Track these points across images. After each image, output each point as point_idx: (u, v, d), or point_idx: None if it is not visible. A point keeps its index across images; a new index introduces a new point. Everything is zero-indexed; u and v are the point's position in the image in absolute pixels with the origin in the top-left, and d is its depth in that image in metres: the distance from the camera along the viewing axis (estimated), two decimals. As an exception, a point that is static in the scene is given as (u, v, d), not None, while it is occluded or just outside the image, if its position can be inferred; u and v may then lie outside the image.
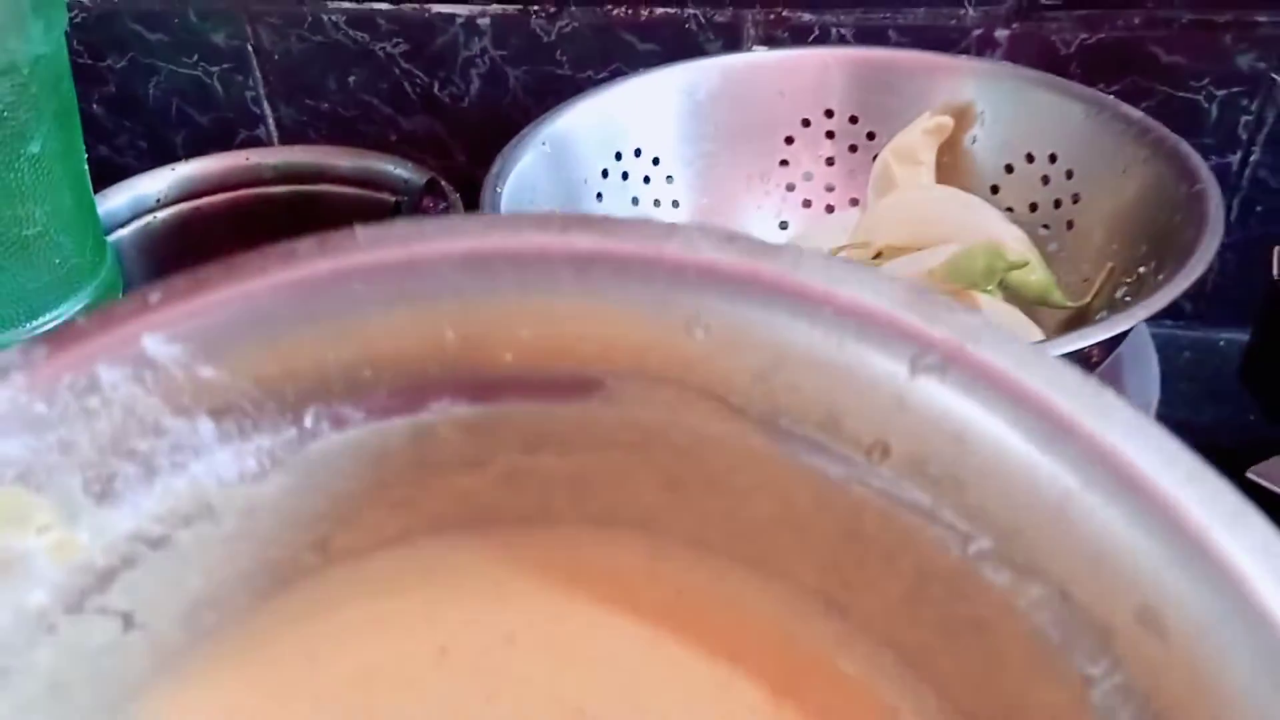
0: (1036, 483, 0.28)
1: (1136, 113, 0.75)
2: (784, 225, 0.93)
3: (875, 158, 0.88)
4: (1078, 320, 0.76)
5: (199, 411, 0.31)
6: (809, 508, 0.33)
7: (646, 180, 0.88)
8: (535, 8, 0.90)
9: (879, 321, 0.29)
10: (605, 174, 0.86)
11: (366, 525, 0.35)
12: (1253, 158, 0.75)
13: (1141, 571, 0.26)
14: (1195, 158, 0.69)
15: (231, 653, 0.35)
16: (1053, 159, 0.81)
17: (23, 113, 0.56)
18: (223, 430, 0.32)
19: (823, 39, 0.92)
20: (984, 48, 0.78)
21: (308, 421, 0.33)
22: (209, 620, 0.34)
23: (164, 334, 0.30)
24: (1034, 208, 0.83)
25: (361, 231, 0.32)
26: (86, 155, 0.64)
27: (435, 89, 0.97)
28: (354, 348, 0.32)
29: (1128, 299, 0.69)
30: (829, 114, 0.90)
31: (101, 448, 0.31)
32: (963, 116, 0.84)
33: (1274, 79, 0.65)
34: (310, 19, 0.86)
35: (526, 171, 0.78)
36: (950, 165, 0.86)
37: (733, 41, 0.95)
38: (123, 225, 0.93)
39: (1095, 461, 0.27)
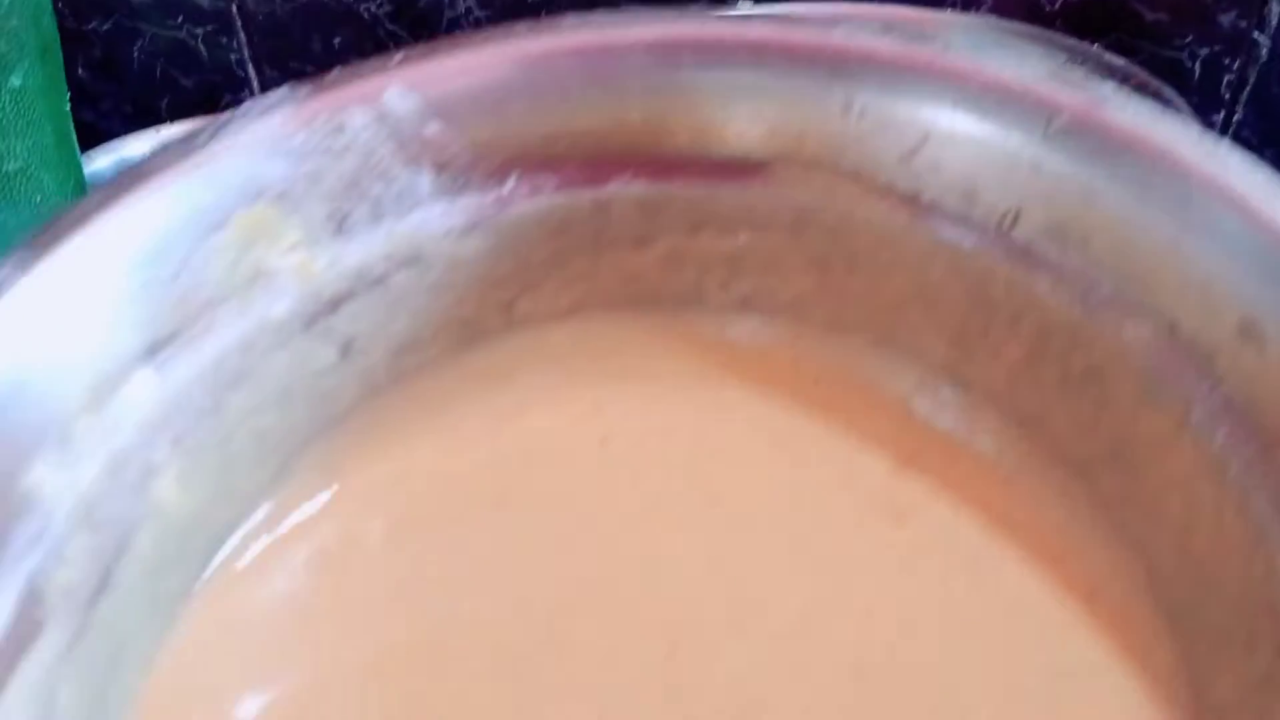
0: (1151, 226, 0.32)
1: (1119, 60, 0.76)
2: None
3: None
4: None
5: (423, 164, 0.37)
6: (941, 280, 0.37)
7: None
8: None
9: (1016, 93, 0.34)
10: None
11: (546, 294, 0.40)
12: (1235, 117, 0.76)
13: (1244, 287, 0.30)
14: (1180, 101, 0.71)
15: (425, 403, 0.40)
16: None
17: (3, 45, 0.57)
18: (439, 184, 0.37)
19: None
20: (969, 6, 0.80)
21: (508, 186, 0.38)
22: (409, 362, 0.39)
23: (402, 89, 0.36)
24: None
25: (569, 18, 0.37)
26: (69, 100, 0.63)
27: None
28: (554, 121, 0.37)
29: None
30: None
31: (343, 185, 0.36)
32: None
33: (1255, 39, 0.67)
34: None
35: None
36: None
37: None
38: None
39: (1207, 200, 0.31)
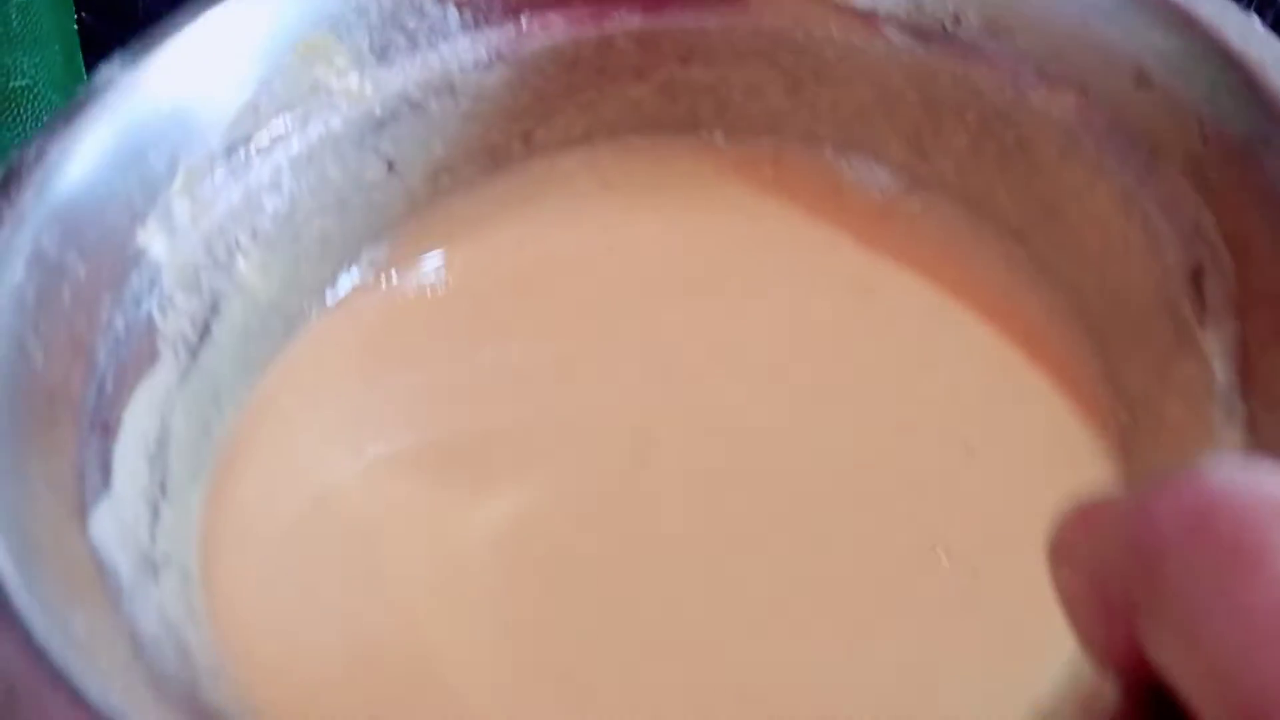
0: (1062, 12, 0.39)
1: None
2: None
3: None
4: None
5: (449, 1, 0.43)
6: (898, 86, 0.43)
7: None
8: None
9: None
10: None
11: (559, 123, 0.46)
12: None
13: (1135, 45, 0.37)
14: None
15: (459, 219, 0.46)
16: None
17: (8, -43, 0.55)
18: (464, 19, 0.44)
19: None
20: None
21: (524, 23, 0.44)
22: (445, 182, 0.46)
23: (432, -66, 0.42)
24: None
25: None
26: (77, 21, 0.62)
27: None
28: (562, -40, 0.44)
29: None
30: None
31: (383, 18, 0.43)
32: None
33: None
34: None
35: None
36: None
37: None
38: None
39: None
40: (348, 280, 0.44)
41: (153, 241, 0.37)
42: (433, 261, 0.46)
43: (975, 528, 0.37)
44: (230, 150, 0.40)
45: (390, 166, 0.44)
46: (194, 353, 0.39)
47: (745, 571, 0.36)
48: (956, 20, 0.41)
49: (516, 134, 0.46)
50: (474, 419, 0.41)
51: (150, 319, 0.37)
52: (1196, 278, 0.35)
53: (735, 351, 0.42)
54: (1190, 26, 0.35)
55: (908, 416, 0.40)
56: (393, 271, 0.45)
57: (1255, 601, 0.16)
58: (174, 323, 0.38)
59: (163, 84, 0.38)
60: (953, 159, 0.43)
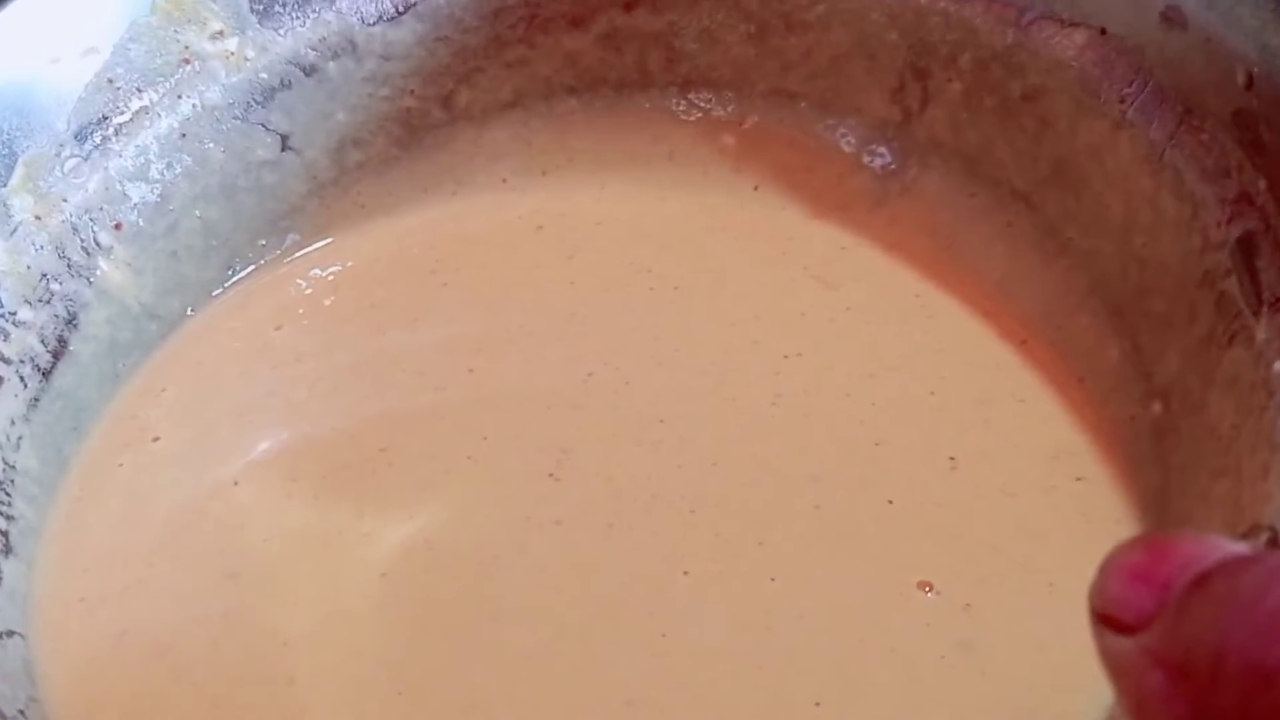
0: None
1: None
2: None
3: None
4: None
5: (346, -57, 0.36)
6: (879, 27, 0.37)
7: None
8: None
9: None
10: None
11: (485, 84, 0.40)
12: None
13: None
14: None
15: (369, 202, 0.40)
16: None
17: None
18: (365, -34, 0.37)
19: None
20: None
21: (437, -33, 0.38)
22: (354, 157, 0.39)
23: None
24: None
25: None
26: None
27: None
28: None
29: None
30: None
31: (265, -34, 0.36)
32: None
33: None
34: None
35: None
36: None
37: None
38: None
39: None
40: (240, 278, 0.38)
41: (-16, 249, 0.31)
42: (334, 248, 0.39)
43: (963, 555, 0.31)
44: (82, 133, 0.33)
45: (284, 142, 0.38)
46: (46, 374, 0.32)
47: (687, 618, 0.30)
48: (947, -52, 0.35)
49: (434, 98, 0.39)
50: (368, 433, 0.35)
51: (-14, 343, 0.31)
52: (1246, 251, 0.29)
53: (679, 352, 0.36)
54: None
55: (883, 427, 0.34)
56: (286, 261, 0.38)
57: None
58: (18, 342, 0.31)
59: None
60: (945, 112, 0.37)
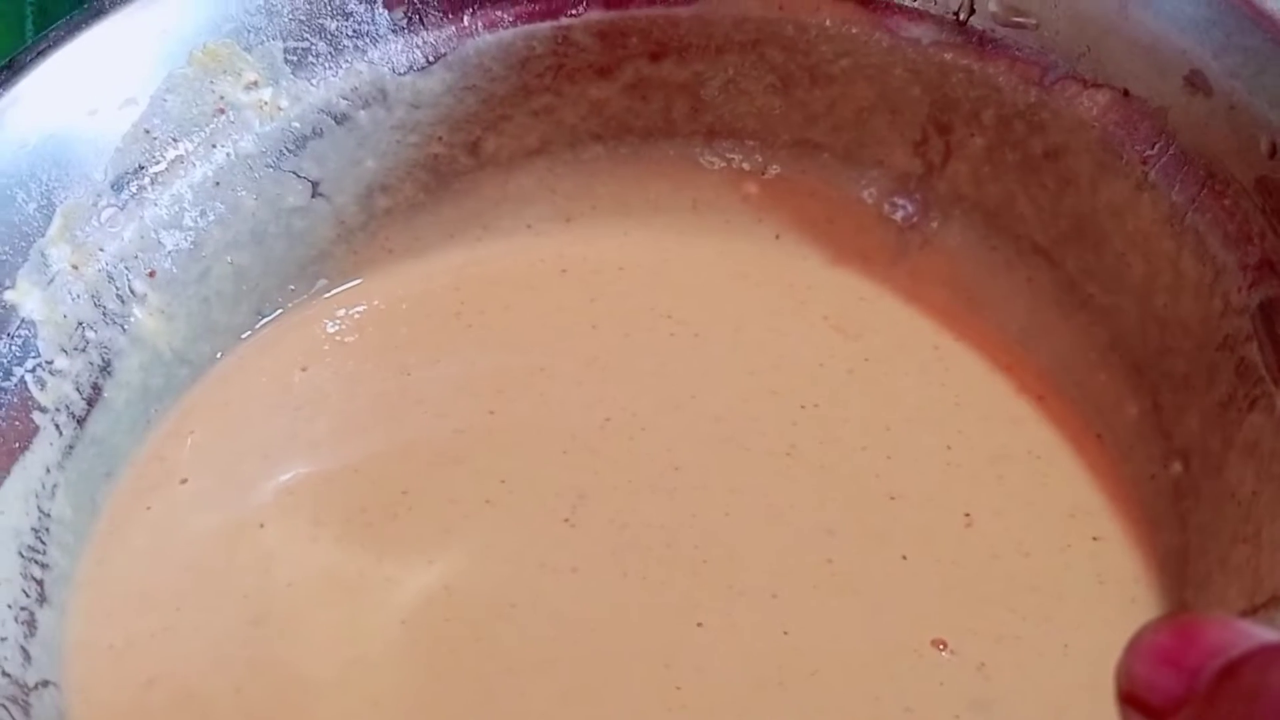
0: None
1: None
2: None
3: None
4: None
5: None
6: (903, 82, 0.37)
7: None
8: None
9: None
10: None
11: (512, 131, 0.40)
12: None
13: (1187, 41, 0.30)
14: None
15: (396, 247, 0.40)
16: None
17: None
18: (395, 20, 0.37)
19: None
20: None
21: (465, 20, 0.38)
22: (382, 203, 0.39)
23: (351, -82, 0.36)
24: None
25: None
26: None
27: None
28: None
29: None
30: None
31: (298, 20, 0.36)
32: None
33: None
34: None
35: None
36: None
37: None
38: None
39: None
40: (269, 323, 0.38)
41: (25, 299, 0.31)
42: (360, 290, 0.40)
43: (977, 613, 0.31)
44: (119, 184, 0.34)
45: (314, 189, 0.38)
46: (80, 422, 0.33)
47: (701, 671, 0.30)
48: (971, 8, 0.35)
49: (461, 145, 0.40)
50: (390, 475, 0.35)
51: (23, 389, 0.31)
52: (1268, 317, 0.29)
53: (696, 399, 0.36)
54: (1257, 21, 0.29)
55: (898, 481, 0.34)
56: (315, 305, 0.39)
57: None
58: (54, 391, 0.32)
59: (27, 113, 0.32)
60: (967, 167, 0.37)
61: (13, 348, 0.31)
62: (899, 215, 0.39)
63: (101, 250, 0.33)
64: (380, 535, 0.34)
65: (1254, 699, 0.15)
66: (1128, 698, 0.17)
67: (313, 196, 0.38)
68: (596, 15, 0.39)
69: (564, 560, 0.32)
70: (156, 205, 0.35)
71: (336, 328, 0.39)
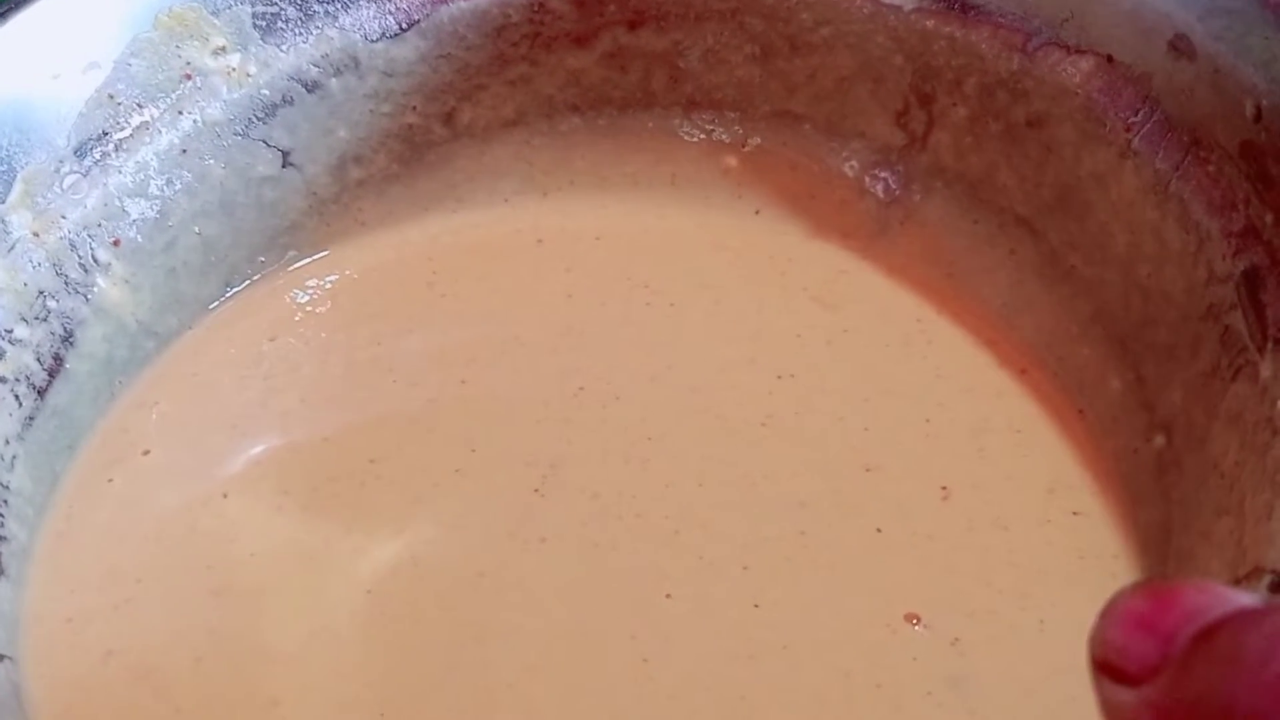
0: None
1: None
2: None
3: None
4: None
5: (349, -38, 0.36)
6: (884, 51, 0.36)
7: None
8: None
9: None
10: None
11: (487, 101, 0.39)
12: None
13: (1171, 5, 0.30)
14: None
15: (369, 219, 0.40)
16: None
17: None
18: (368, -17, 0.37)
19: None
20: None
21: (440, -15, 0.38)
22: (355, 174, 0.39)
23: (321, -122, 0.35)
24: None
25: None
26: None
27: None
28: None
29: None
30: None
31: (268, -16, 0.36)
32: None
33: None
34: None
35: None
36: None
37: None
38: None
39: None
40: (238, 293, 0.38)
41: (-19, 265, 0.31)
42: (331, 260, 0.39)
43: (953, 588, 0.30)
44: (82, 150, 0.33)
45: (285, 159, 0.37)
46: (41, 393, 0.32)
47: (669, 643, 0.30)
48: (952, -29, 0.34)
49: (436, 115, 0.39)
50: (359, 444, 0.34)
51: (-19, 358, 0.31)
52: (1251, 285, 0.28)
53: (671, 368, 0.36)
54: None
55: (875, 453, 0.33)
56: (286, 275, 0.38)
57: None
58: (14, 361, 0.31)
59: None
60: (949, 137, 0.36)
61: (-32, 313, 0.31)
62: (880, 189, 0.38)
63: (64, 218, 0.33)
64: (347, 505, 0.33)
65: (1231, 664, 0.14)
66: (1101, 664, 0.16)
67: (283, 166, 0.37)
68: (573, -19, 0.38)
69: (533, 531, 0.32)
70: (121, 173, 0.34)
71: (307, 297, 0.38)
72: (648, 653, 0.29)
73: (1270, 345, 0.28)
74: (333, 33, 0.37)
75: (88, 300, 0.34)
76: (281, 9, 0.36)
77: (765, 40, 0.38)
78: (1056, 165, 0.34)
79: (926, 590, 0.30)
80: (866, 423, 0.34)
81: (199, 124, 0.35)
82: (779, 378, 0.35)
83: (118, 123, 0.34)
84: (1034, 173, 0.35)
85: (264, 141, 0.37)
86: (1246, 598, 0.16)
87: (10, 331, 0.31)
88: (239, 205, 0.37)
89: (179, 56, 0.35)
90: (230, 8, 0.35)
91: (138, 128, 0.34)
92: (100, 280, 0.34)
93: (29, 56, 0.32)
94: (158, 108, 0.35)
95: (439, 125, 0.40)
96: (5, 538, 0.31)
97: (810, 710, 0.28)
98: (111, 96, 0.34)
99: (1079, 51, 0.32)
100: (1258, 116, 0.28)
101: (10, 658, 0.29)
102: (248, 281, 0.38)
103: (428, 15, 0.37)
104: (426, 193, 0.40)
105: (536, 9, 0.38)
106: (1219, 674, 0.14)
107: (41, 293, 0.32)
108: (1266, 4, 0.28)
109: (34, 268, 0.32)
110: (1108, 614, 0.17)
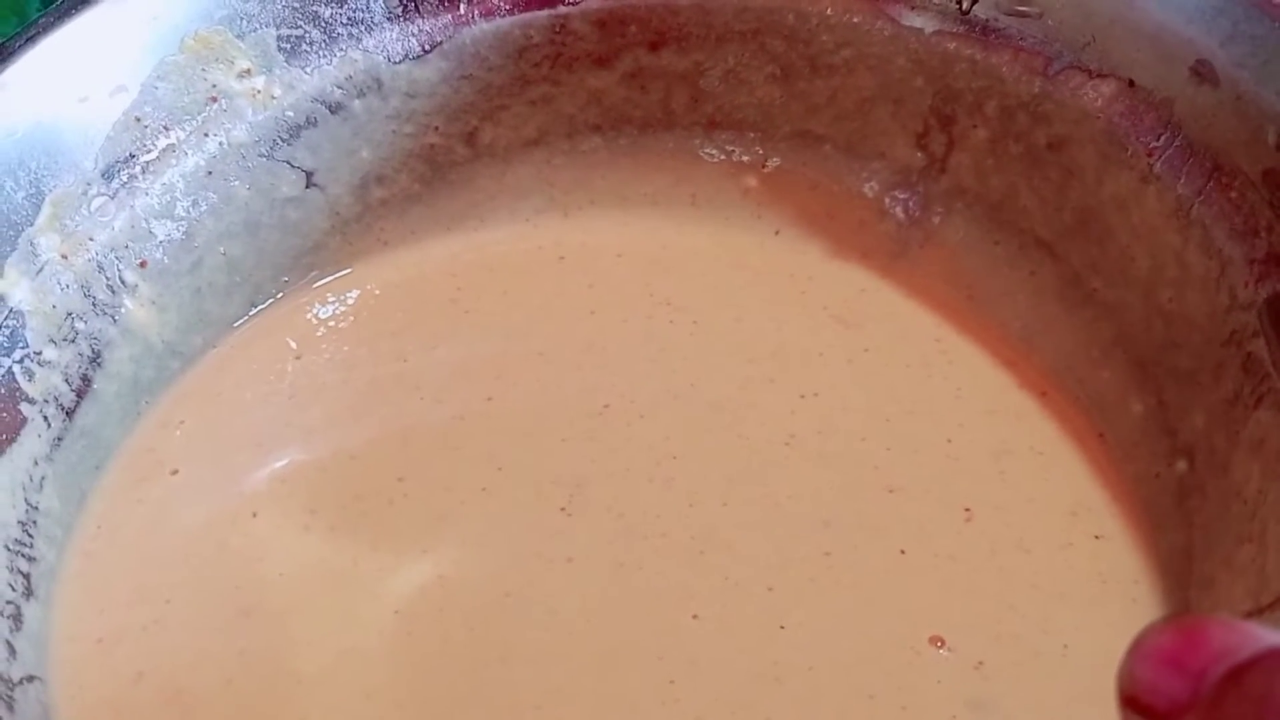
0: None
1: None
2: None
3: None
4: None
5: (373, -15, 0.37)
6: (905, 73, 0.36)
7: None
8: None
9: None
10: None
11: (509, 121, 0.40)
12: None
13: (1193, 31, 0.30)
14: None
15: (391, 238, 0.40)
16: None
17: None
18: (390, 7, 0.37)
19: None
20: None
21: (462, 8, 0.38)
22: (377, 194, 0.39)
23: (347, -97, 0.36)
24: None
25: None
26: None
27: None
28: (502, -65, 0.37)
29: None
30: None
31: (292, 7, 0.36)
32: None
33: None
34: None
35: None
36: None
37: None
38: None
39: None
40: (261, 312, 0.38)
41: (13, 289, 0.31)
42: (354, 277, 0.39)
43: (976, 611, 0.31)
44: (109, 172, 0.34)
45: (308, 179, 0.38)
46: (69, 413, 0.33)
47: (696, 665, 0.30)
48: (973, -4, 0.34)
49: (458, 134, 0.40)
50: (386, 462, 0.35)
51: (11, 380, 0.31)
52: (1274, 312, 0.29)
53: (694, 387, 0.36)
54: (1265, 9, 0.29)
55: (898, 473, 0.33)
56: (309, 292, 0.39)
57: None
58: (43, 382, 0.32)
59: (16, 100, 0.32)
60: (970, 159, 0.37)
61: (0, 338, 0.31)
62: (900, 210, 0.39)
63: (91, 240, 0.33)
64: (375, 523, 0.33)
65: (1261, 704, 0.15)
66: (1130, 701, 0.17)
67: (307, 187, 0.38)
68: (595, 3, 0.38)
69: (560, 550, 0.32)
70: (148, 194, 0.34)
71: (331, 314, 0.38)
72: (674, 673, 0.29)
73: (1296, 372, 0.28)
74: (356, 55, 0.37)
75: (115, 321, 0.34)
76: (306, 32, 0.36)
77: (786, 61, 0.38)
78: (1078, 188, 0.34)
79: (950, 613, 0.30)
80: (888, 443, 0.34)
81: (224, 146, 0.36)
82: (801, 397, 0.35)
83: (144, 145, 0.34)
84: (1055, 195, 0.35)
85: (288, 162, 0.37)
86: (1276, 637, 0.16)
87: (39, 354, 0.32)
88: (263, 226, 0.37)
89: (205, 79, 0.35)
90: (255, 31, 0.35)
91: (164, 150, 0.35)
92: (127, 301, 0.34)
93: (57, 80, 0.33)
94: (184, 130, 0.35)
95: (461, 145, 0.40)
96: (34, 558, 0.31)
97: (835, 733, 0.29)
98: (138, 119, 0.34)
99: (1100, 75, 0.33)
100: (1281, 144, 0.28)
101: (40, 679, 0.29)
102: (271, 300, 0.38)
103: (450, 37, 0.38)
104: (448, 212, 0.40)
105: (558, 30, 0.38)
106: (1250, 713, 0.15)
107: (70, 314, 0.33)
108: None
109: (62, 290, 0.32)
110: (1137, 650, 0.17)
